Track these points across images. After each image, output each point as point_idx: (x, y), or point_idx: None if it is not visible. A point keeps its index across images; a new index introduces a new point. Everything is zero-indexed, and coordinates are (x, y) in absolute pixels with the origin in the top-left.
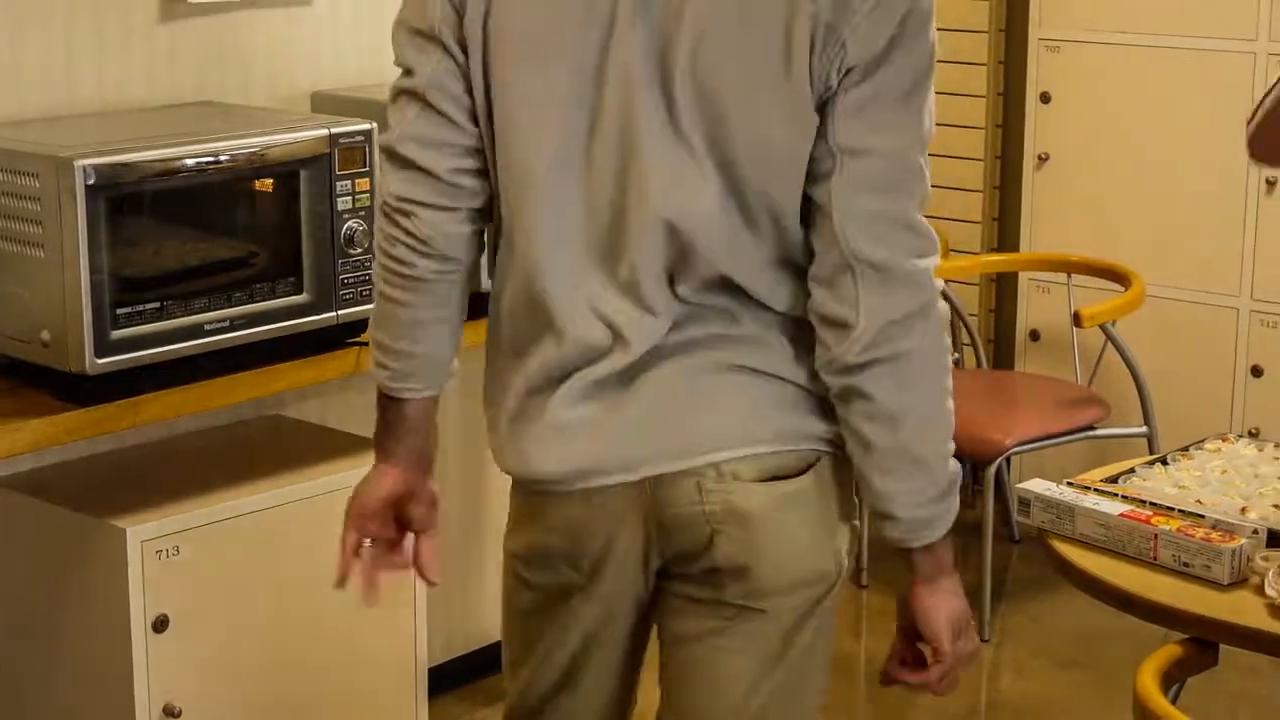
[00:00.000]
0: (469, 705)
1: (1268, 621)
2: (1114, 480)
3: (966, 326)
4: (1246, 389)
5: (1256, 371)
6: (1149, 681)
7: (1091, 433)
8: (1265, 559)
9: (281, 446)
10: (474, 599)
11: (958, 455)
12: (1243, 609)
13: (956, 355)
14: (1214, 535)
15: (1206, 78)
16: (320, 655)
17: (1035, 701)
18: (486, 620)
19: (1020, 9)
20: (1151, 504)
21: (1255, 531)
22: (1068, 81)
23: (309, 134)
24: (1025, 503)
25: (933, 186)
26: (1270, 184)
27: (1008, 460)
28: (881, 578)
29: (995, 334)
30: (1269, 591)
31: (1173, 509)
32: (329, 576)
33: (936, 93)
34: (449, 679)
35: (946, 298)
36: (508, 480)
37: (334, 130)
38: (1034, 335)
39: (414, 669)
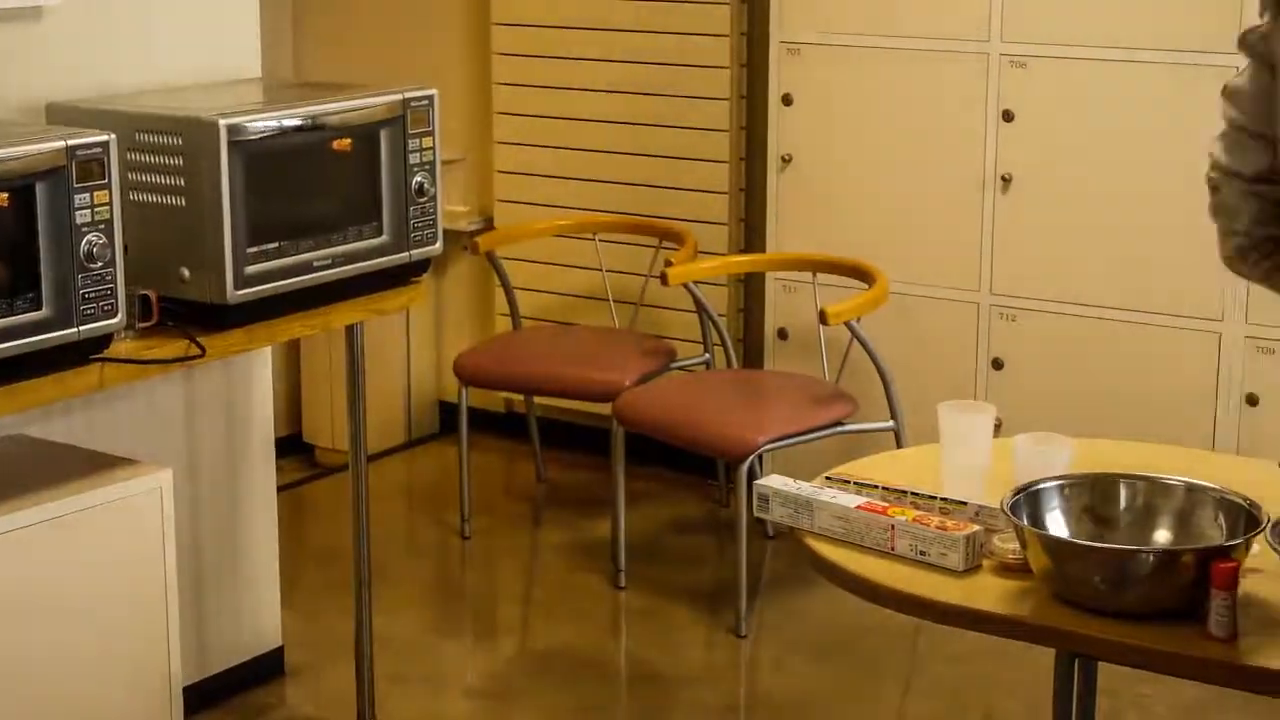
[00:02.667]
0: None
1: (1005, 605)
2: None
3: (716, 327)
4: (988, 381)
5: (997, 364)
6: None
7: (841, 428)
8: (1002, 540)
9: (24, 466)
10: (229, 615)
11: (708, 455)
12: (979, 594)
13: (707, 356)
14: (949, 524)
15: (943, 78)
16: (70, 678)
17: (794, 695)
18: (243, 636)
19: (761, 13)
20: (884, 489)
21: (978, 513)
22: (809, 84)
23: (45, 146)
24: (764, 499)
25: (678, 189)
26: (1006, 181)
27: (760, 458)
28: (639, 579)
29: (744, 334)
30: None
31: (905, 492)
32: (78, 597)
33: (678, 97)
34: (206, 697)
35: (696, 299)
36: (269, 494)
37: (71, 142)
38: (782, 334)
39: (168, 688)
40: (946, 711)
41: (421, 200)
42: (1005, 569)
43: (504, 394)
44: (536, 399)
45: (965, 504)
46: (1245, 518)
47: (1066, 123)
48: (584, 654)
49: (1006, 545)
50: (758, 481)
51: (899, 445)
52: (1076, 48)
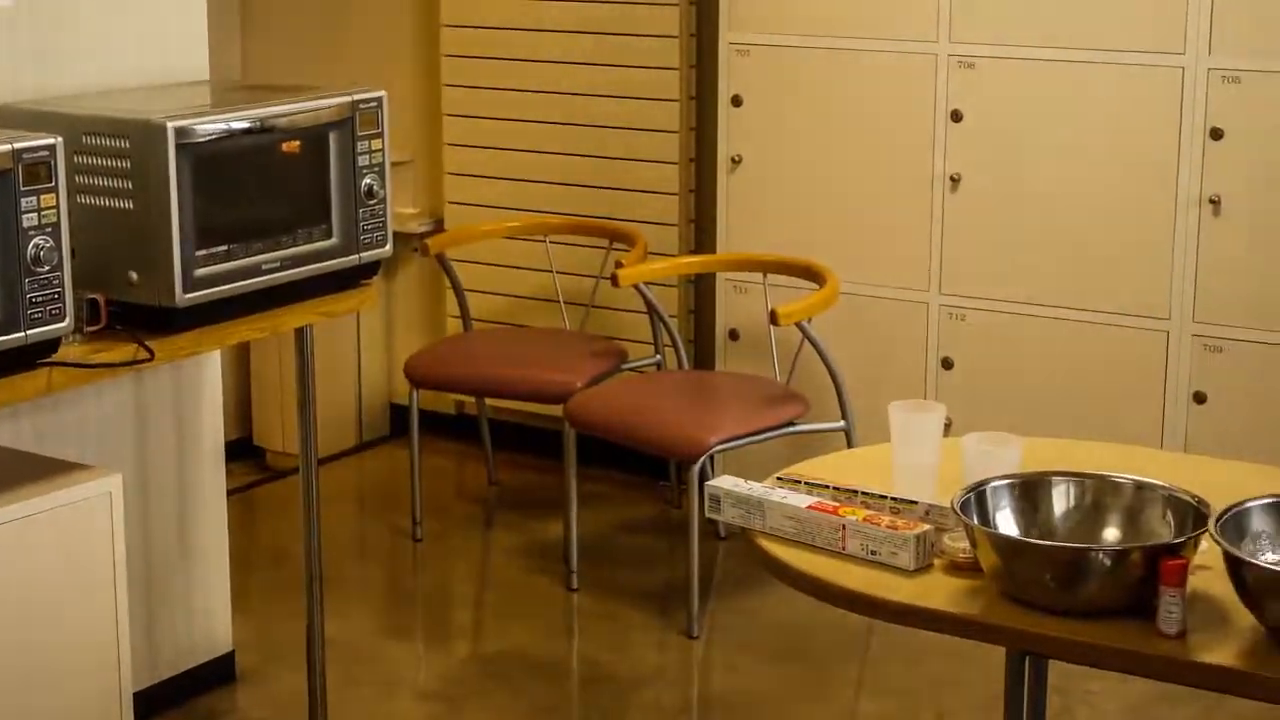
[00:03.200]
0: None
1: (955, 604)
2: None
3: (667, 328)
4: (938, 382)
5: (947, 364)
6: None
7: (792, 428)
8: (953, 539)
9: None
10: (180, 619)
11: (659, 456)
12: (929, 593)
13: (658, 357)
14: (899, 524)
15: (892, 79)
16: (19, 685)
17: (747, 696)
18: (194, 640)
19: (710, 14)
20: (835, 488)
21: (929, 512)
22: (758, 84)
23: None
24: (715, 500)
25: (629, 190)
26: (955, 181)
27: (711, 458)
28: (591, 581)
29: (695, 334)
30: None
31: (856, 492)
32: (27, 603)
33: (628, 98)
34: (157, 702)
35: (646, 300)
36: (220, 498)
37: (17, 145)
38: (733, 335)
39: (118, 694)
40: (899, 710)
41: (371, 202)
42: (956, 568)
43: (455, 396)
44: (488, 401)
45: (916, 503)
46: (1193, 515)
47: (1015, 123)
48: (536, 656)
49: (957, 544)
50: (709, 482)
51: (850, 445)
52: (1025, 48)
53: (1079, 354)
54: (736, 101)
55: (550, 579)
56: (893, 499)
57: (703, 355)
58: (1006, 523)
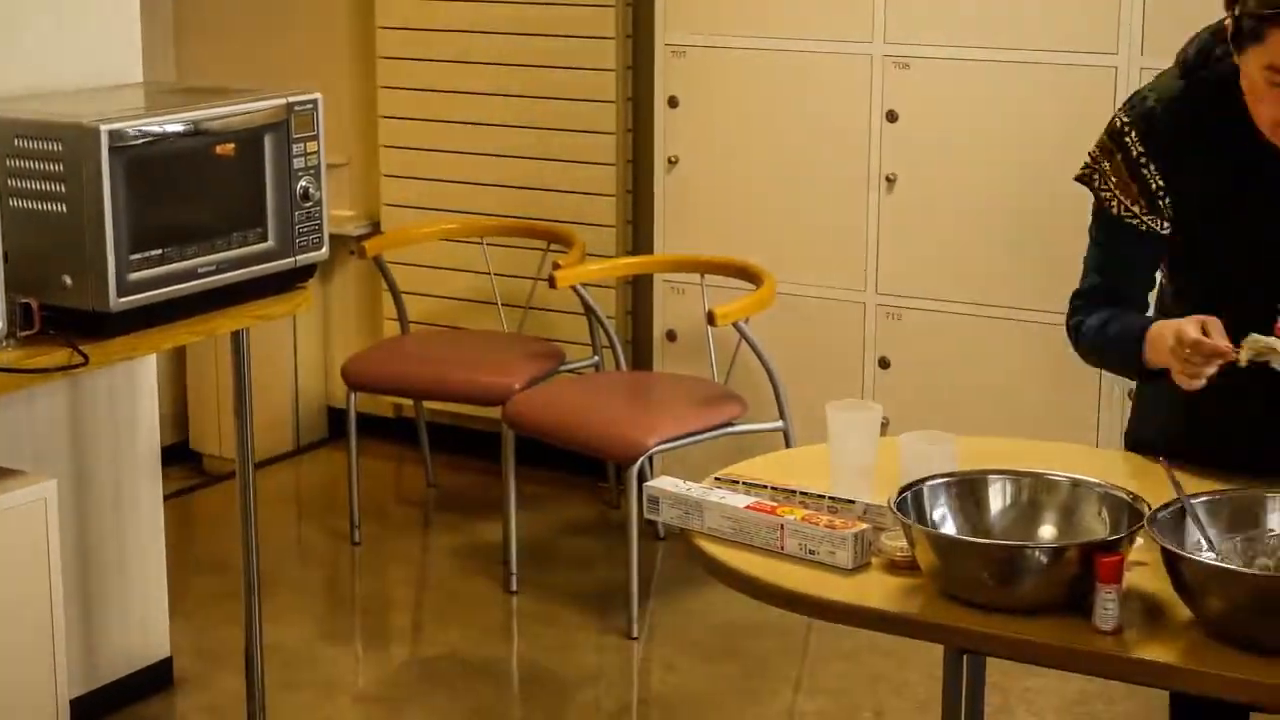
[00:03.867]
0: None
1: (893, 603)
2: None
3: (605, 329)
4: (875, 380)
5: (884, 363)
6: None
7: (730, 429)
8: (890, 538)
9: None
10: (116, 626)
11: (598, 457)
12: (867, 592)
13: (596, 358)
14: (837, 523)
15: (828, 80)
16: None
17: (686, 696)
18: (131, 646)
19: (646, 15)
20: (773, 488)
21: (866, 511)
22: (694, 86)
23: None
24: (654, 500)
25: (566, 192)
26: (890, 181)
27: (650, 459)
28: (531, 583)
29: (633, 335)
30: (889, 544)
31: (795, 491)
32: None
33: (565, 100)
34: (94, 709)
35: (584, 301)
36: (156, 503)
37: None
38: (671, 336)
39: (55, 701)
40: (838, 709)
41: (306, 205)
42: (894, 567)
43: (393, 399)
44: (426, 404)
45: (854, 503)
46: (1129, 512)
47: (949, 122)
48: (476, 658)
49: (895, 543)
50: (648, 483)
51: (788, 445)
52: (959, 48)
53: (1015, 353)
54: (673, 103)
55: (489, 581)
56: (830, 498)
57: (640, 356)
58: (944, 521)
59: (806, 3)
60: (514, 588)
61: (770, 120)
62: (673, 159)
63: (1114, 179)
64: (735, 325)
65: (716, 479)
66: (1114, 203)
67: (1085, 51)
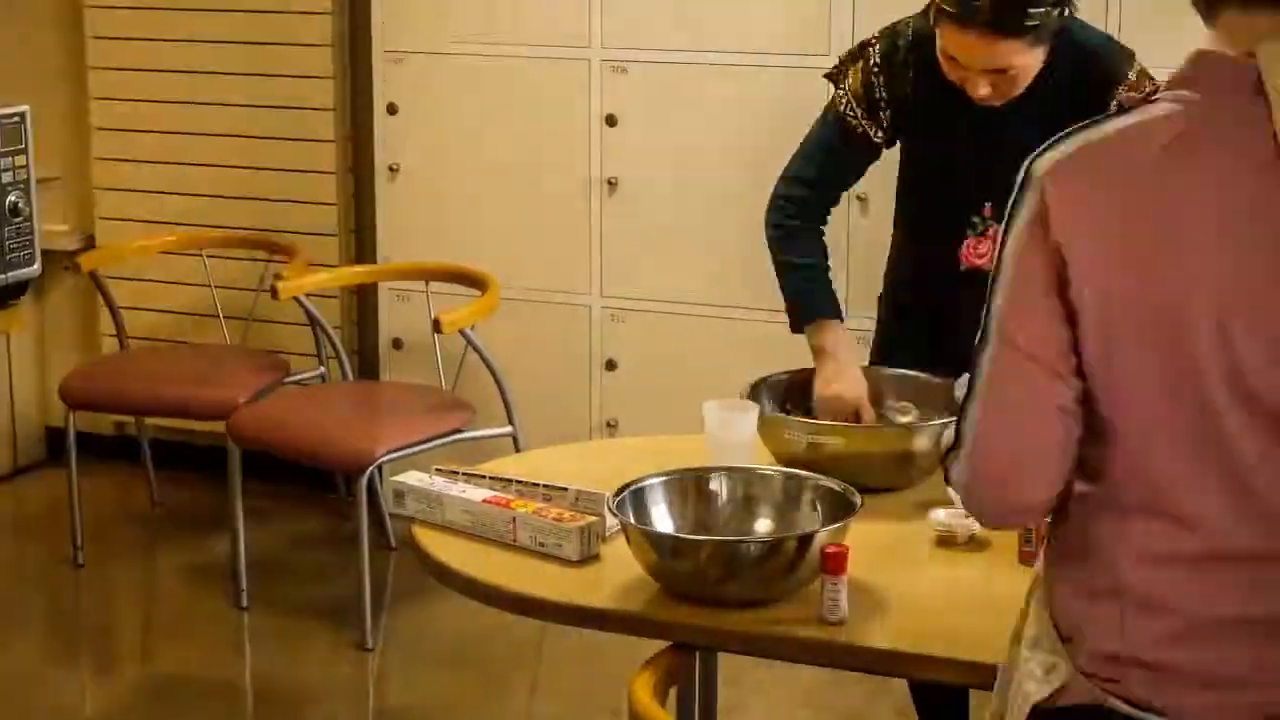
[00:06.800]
0: None
1: (618, 601)
2: None
3: (330, 339)
4: (602, 383)
5: (610, 365)
6: (643, 693)
7: (460, 435)
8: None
9: None
10: None
11: (327, 469)
12: (594, 591)
13: (322, 369)
14: (566, 515)
15: (546, 85)
16: None
17: (422, 706)
18: None
19: (363, 22)
20: (517, 483)
21: (578, 499)
22: (414, 92)
23: None
24: (400, 494)
25: (287, 201)
26: (611, 185)
27: (380, 469)
28: (262, 599)
29: (359, 345)
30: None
31: (538, 484)
32: None
33: (283, 108)
34: None
35: (308, 312)
36: None
37: None
38: (397, 344)
39: None
40: (573, 711)
41: (16, 220)
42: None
43: (114, 416)
44: (148, 420)
45: (565, 489)
46: (842, 503)
47: (668, 126)
48: (207, 677)
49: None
50: (394, 478)
51: (517, 449)
52: (675, 52)
53: (739, 352)
54: (392, 109)
55: (219, 598)
56: (544, 485)
57: (367, 366)
58: (663, 520)
59: (524, 9)
60: (245, 604)
61: (491, 126)
62: (394, 166)
63: (850, 80)
64: (461, 332)
65: (460, 474)
66: (844, 102)
67: (798, 54)
